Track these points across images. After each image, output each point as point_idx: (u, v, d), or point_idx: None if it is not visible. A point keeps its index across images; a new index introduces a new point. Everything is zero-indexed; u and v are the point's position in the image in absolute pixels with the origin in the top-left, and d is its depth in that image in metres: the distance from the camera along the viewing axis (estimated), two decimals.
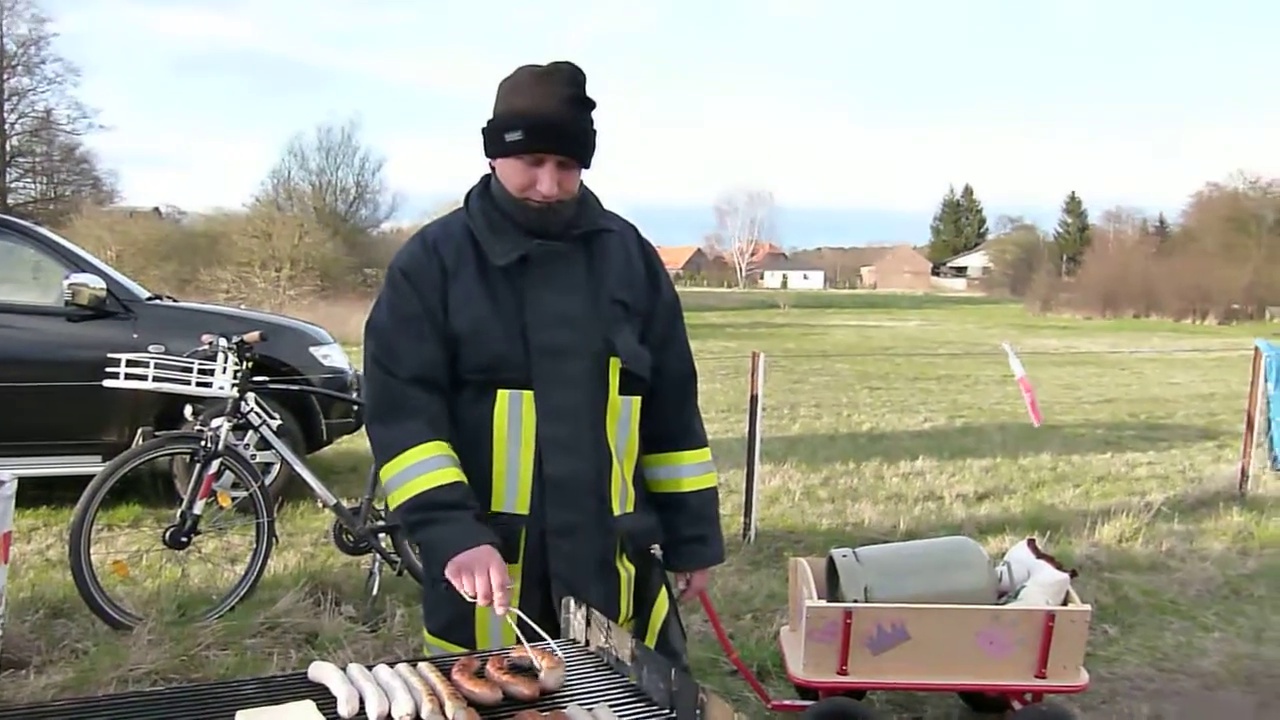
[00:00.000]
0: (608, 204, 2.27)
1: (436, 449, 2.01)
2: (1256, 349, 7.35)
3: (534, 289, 2.07)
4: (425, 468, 2.00)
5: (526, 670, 1.69)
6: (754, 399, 5.87)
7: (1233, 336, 28.08)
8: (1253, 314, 39.10)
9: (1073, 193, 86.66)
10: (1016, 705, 3.55)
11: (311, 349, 6.80)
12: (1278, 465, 7.11)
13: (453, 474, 2.00)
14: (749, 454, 5.96)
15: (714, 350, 20.47)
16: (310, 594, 4.61)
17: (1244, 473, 7.45)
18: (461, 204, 2.18)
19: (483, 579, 1.87)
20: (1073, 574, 3.60)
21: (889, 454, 9.00)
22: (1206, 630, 4.94)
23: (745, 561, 5.57)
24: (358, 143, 44.34)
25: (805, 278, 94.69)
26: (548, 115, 2.00)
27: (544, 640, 1.77)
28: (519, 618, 1.81)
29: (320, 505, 5.00)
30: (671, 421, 2.28)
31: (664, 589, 2.26)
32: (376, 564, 4.69)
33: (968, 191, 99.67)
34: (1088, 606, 3.49)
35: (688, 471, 2.29)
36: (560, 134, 2.01)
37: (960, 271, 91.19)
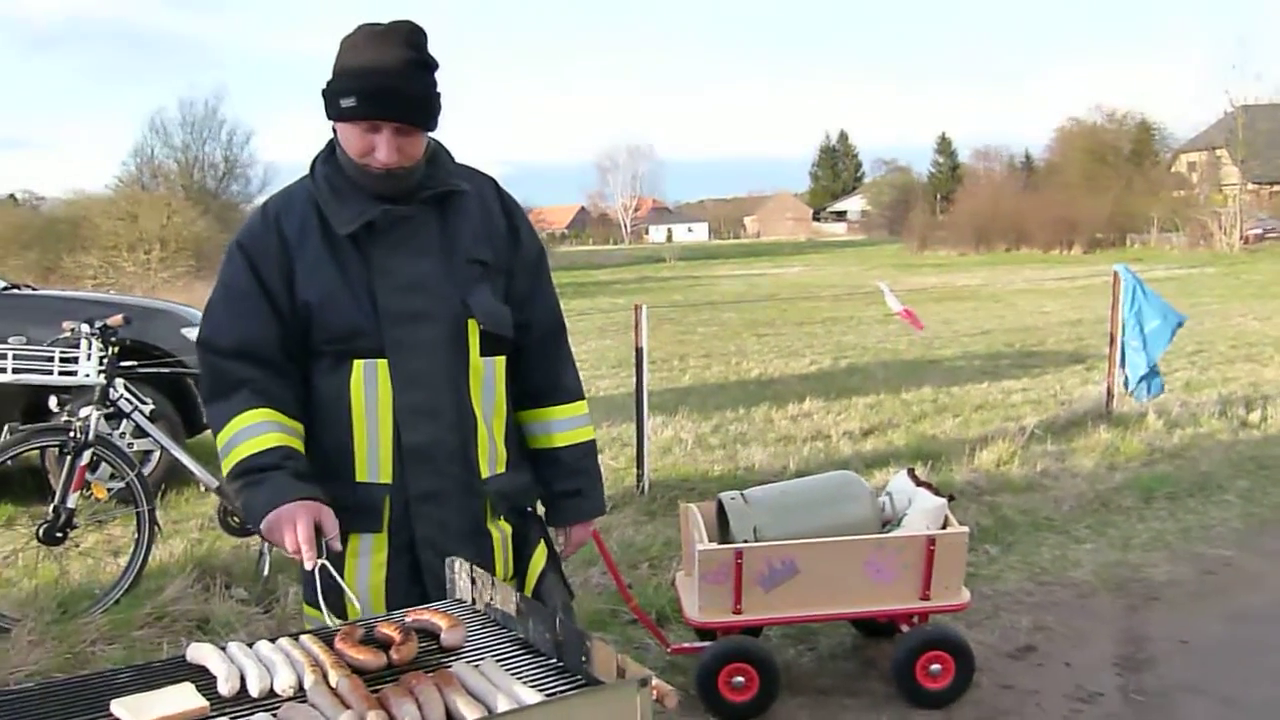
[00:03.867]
0: (490, 166, 2.23)
1: (258, 415, 1.99)
2: (1116, 274, 7.68)
3: (383, 255, 2.03)
4: (246, 435, 1.98)
5: (416, 632, 1.69)
6: (639, 351, 5.91)
7: (1097, 264, 29.25)
8: (1115, 242, 40.78)
9: (943, 133, 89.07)
10: (904, 628, 3.69)
11: (184, 330, 6.56)
12: (1128, 386, 7.46)
13: (273, 439, 1.97)
14: (637, 406, 6.00)
15: (603, 307, 20.48)
16: (199, 580, 4.50)
17: (1109, 392, 7.83)
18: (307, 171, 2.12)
19: (290, 534, 1.86)
20: (950, 498, 3.74)
21: (777, 398, 9.16)
22: (1079, 542, 5.20)
23: (640, 513, 5.64)
24: (224, 115, 42.63)
25: (690, 230, 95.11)
26: (382, 80, 1.94)
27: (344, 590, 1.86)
28: (325, 569, 1.84)
29: (204, 489, 4.87)
30: (540, 377, 2.26)
31: (543, 544, 2.26)
32: (266, 544, 4.60)
33: (843, 137, 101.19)
34: (966, 528, 3.64)
35: (559, 426, 2.28)
36: (396, 100, 1.96)
37: (840, 216, 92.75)
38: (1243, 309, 16.46)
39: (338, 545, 1.91)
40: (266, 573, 4.55)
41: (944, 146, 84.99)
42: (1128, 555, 5.01)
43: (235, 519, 4.70)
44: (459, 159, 2.21)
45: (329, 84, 2.01)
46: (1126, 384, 7.47)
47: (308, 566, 1.85)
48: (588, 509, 2.34)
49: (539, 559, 2.24)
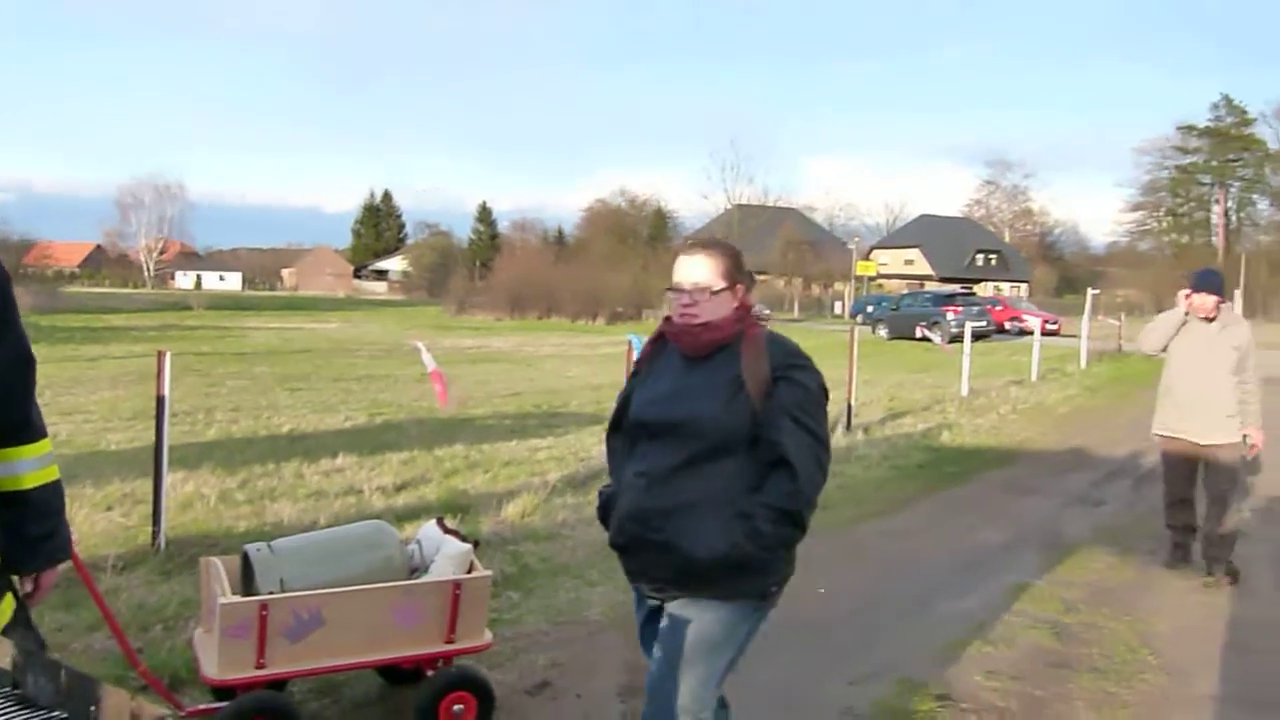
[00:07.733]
0: None
1: None
2: (629, 343, 8.49)
3: None
4: None
5: None
6: (160, 401, 5.56)
7: (618, 334, 31.83)
8: (633, 315, 44.58)
9: (484, 203, 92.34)
10: (430, 672, 3.81)
11: None
12: None
13: None
14: (156, 459, 5.63)
15: (117, 355, 18.74)
16: None
17: None
18: None
19: None
20: (475, 544, 3.95)
21: (310, 453, 8.97)
22: (592, 585, 5.66)
23: (155, 572, 5.27)
24: None
25: (222, 279, 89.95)
26: None
27: None
28: None
29: None
30: (7, 414, 2.11)
31: (9, 595, 2.10)
32: None
33: (387, 197, 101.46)
34: (489, 572, 3.86)
35: (27, 467, 2.14)
36: None
37: (382, 275, 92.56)
38: None
39: None
40: None
41: (484, 215, 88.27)
42: (631, 594, 5.52)
43: None
44: None
45: None
46: None
47: None
48: (61, 550, 2.22)
49: (5, 611, 2.08)
